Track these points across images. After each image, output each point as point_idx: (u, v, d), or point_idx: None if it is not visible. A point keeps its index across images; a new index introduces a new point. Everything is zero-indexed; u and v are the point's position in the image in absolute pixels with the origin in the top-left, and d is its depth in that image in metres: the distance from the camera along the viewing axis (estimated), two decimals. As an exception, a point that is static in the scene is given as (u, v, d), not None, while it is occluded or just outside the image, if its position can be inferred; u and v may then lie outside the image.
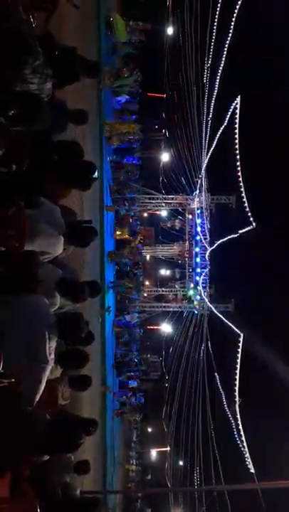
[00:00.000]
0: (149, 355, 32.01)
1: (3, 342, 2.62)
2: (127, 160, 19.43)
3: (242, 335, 22.54)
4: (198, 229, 25.64)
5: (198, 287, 26.01)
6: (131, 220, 21.55)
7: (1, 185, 2.80)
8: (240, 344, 22.45)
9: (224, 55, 20.34)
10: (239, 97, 21.55)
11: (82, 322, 3.20)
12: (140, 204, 24.16)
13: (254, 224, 22.67)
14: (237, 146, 22.08)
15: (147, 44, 19.08)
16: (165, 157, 29.35)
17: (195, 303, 26.30)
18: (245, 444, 20.64)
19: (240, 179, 22.84)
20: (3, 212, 2.85)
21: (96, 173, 3.73)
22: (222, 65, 20.57)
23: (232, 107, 21.81)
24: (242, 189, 23.07)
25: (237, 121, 21.76)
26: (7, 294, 2.93)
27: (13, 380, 2.49)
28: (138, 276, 21.93)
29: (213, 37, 20.80)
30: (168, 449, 32.09)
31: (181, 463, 29.98)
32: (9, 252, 2.96)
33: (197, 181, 25.56)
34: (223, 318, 24.00)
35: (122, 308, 21.02)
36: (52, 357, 2.85)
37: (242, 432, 20.91)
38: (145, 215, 28.51)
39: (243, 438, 20.77)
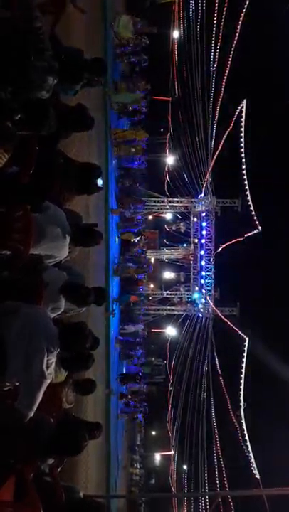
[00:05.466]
0: (153, 359, 31.94)
1: (3, 350, 2.61)
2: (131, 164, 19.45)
3: (247, 339, 22.44)
4: (204, 232, 25.60)
5: (203, 291, 25.94)
6: (136, 222, 21.54)
7: (7, 189, 2.81)
8: (246, 348, 22.34)
9: (230, 58, 20.39)
10: (245, 100, 21.57)
11: (86, 331, 3.13)
12: (145, 206, 24.19)
13: (260, 228, 22.61)
14: (243, 149, 22.07)
15: (153, 47, 19.11)
16: (170, 160, 29.37)
17: (200, 306, 26.23)
18: (250, 448, 20.51)
19: (246, 182, 22.81)
20: (9, 215, 2.87)
21: (101, 182, 3.74)
22: (228, 67, 20.62)
23: (238, 109, 21.83)
24: (248, 192, 23.03)
25: (243, 124, 21.77)
26: (12, 299, 2.93)
27: (17, 383, 2.50)
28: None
29: (219, 40, 20.87)
30: (172, 452, 31.94)
31: (185, 467, 29.83)
32: (15, 255, 2.97)
33: (202, 184, 25.55)
34: (229, 322, 23.92)
35: (127, 311, 20.96)
36: (50, 371, 2.79)
37: (247, 437, 20.77)
38: (150, 217, 28.52)
39: (248, 443, 20.63)
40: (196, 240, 26.53)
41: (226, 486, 21.01)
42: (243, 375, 22.08)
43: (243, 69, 21.62)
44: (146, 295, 25.31)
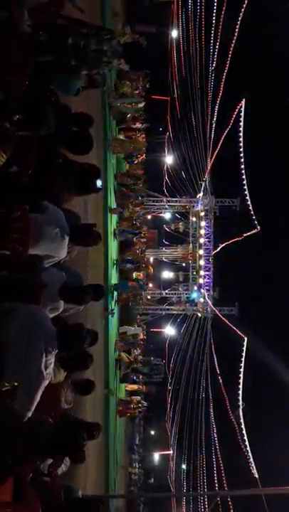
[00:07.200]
0: (152, 358, 31.97)
1: (2, 351, 2.61)
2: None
3: (246, 338, 22.46)
4: (202, 231, 25.62)
5: (202, 290, 25.96)
6: (135, 222, 21.51)
7: (6, 190, 2.81)
8: (244, 348, 22.37)
9: (229, 58, 20.39)
10: (244, 99, 21.58)
11: (83, 332, 3.15)
12: (144, 206, 24.16)
13: (258, 227, 22.64)
14: (241, 149, 22.08)
15: (151, 47, 19.05)
16: (169, 159, 29.37)
17: (199, 306, 26.24)
18: (248, 448, 20.53)
19: (245, 182, 22.83)
20: (7, 216, 2.86)
21: (100, 182, 3.73)
22: (227, 67, 20.62)
23: (237, 109, 21.85)
24: (246, 192, 23.05)
25: (241, 123, 21.79)
26: (10, 300, 2.92)
27: (15, 384, 2.50)
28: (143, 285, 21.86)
29: (218, 39, 20.86)
30: (171, 452, 31.98)
31: (184, 466, 29.87)
32: (13, 256, 2.96)
33: (201, 184, 25.56)
34: (227, 322, 23.94)
35: (126, 310, 20.89)
36: (48, 372, 2.79)
37: (245, 437, 20.80)
38: (149, 217, 28.51)
39: (247, 442, 20.66)
40: (195, 240, 26.55)
41: (225, 485, 21.04)
42: (241, 375, 22.11)
43: (243, 68, 21.63)
44: (145, 288, 25.13)
